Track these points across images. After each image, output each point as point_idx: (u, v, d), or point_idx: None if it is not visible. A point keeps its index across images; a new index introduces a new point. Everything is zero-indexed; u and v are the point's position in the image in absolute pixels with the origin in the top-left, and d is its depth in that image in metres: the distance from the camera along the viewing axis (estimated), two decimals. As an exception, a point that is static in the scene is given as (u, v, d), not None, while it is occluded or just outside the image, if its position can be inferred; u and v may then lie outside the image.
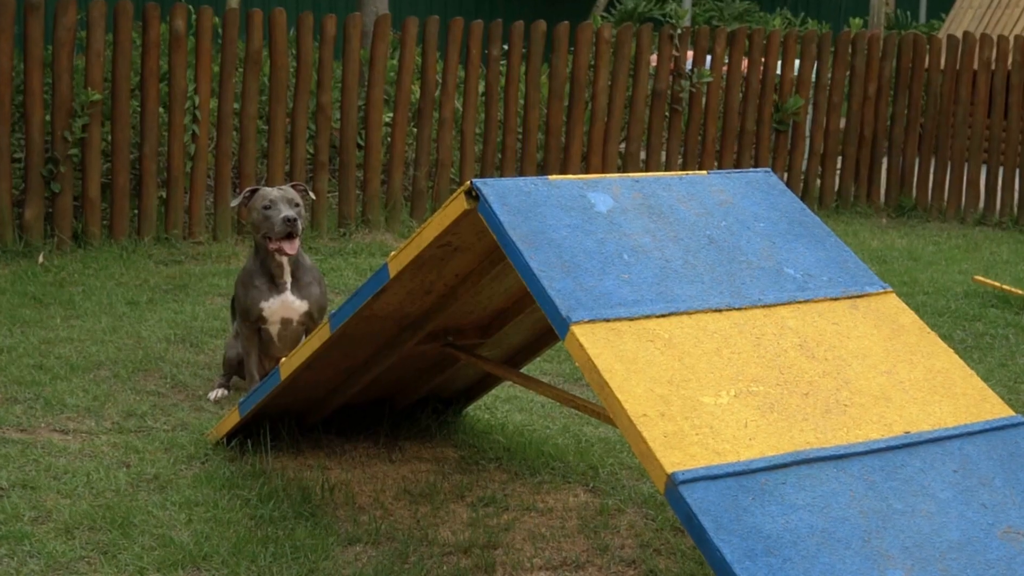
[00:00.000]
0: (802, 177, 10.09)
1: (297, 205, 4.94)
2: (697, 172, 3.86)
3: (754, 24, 17.33)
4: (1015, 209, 10.22)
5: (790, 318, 3.42)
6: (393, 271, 3.72)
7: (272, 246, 4.91)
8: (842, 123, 10.31)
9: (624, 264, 3.38)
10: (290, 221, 4.86)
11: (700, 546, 2.80)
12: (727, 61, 9.73)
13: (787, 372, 3.25)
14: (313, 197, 5.43)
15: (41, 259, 7.37)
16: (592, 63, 9.23)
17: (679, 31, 9.53)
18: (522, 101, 9.07)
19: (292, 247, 4.89)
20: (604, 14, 17.86)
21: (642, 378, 3.07)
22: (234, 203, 5.11)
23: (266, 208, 4.90)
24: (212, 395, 5.12)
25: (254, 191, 5.01)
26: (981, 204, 10.33)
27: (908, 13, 18.92)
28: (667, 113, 9.56)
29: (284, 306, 4.98)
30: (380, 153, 8.59)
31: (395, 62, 9.01)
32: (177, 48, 7.92)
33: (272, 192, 4.97)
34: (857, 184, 10.30)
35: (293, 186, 5.09)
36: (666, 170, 9.45)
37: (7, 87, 7.49)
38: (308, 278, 5.03)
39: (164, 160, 8.04)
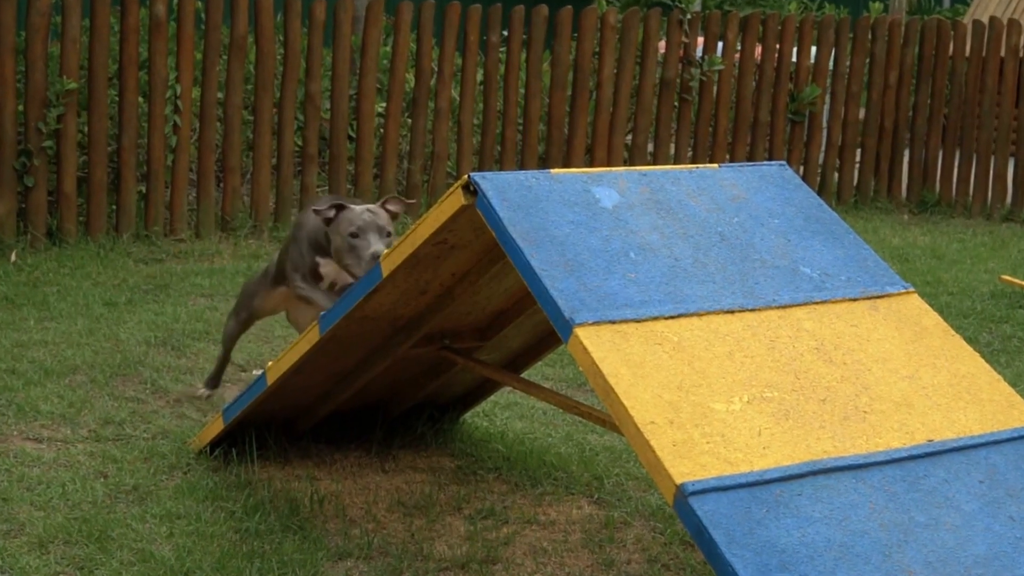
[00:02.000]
0: (819, 171, 10.10)
1: (389, 235, 4.53)
2: (708, 165, 3.86)
3: (768, 9, 17.34)
4: (1044, 204, 10.24)
5: (806, 320, 3.42)
6: (386, 270, 3.72)
7: (352, 275, 4.53)
8: (861, 113, 10.31)
9: (631, 263, 3.38)
10: (378, 258, 4.39)
11: (711, 561, 2.80)
12: (740, 48, 9.73)
13: (803, 377, 3.25)
14: (412, 202, 5.18)
15: (13, 257, 7.37)
16: (597, 50, 9.23)
17: (689, 16, 9.54)
18: (523, 90, 9.07)
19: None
20: (609, -2, 17.89)
21: (650, 383, 3.08)
22: (319, 210, 4.57)
23: (353, 236, 4.50)
24: (200, 392, 5.15)
25: (340, 208, 4.57)
26: (1008, 199, 10.33)
27: (931, -3, 18.93)
28: (676, 103, 9.56)
29: (342, 275, 4.66)
30: (372, 145, 8.60)
31: (388, 49, 9.01)
32: (157, 34, 7.91)
33: (362, 216, 4.53)
34: (877, 178, 10.30)
35: (384, 204, 4.63)
36: (675, 163, 9.45)
37: (-22, 75, 7.50)
38: None
39: (144, 153, 8.04)
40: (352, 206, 4.58)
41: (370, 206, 4.63)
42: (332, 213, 4.57)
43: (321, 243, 4.64)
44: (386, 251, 3.76)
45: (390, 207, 4.61)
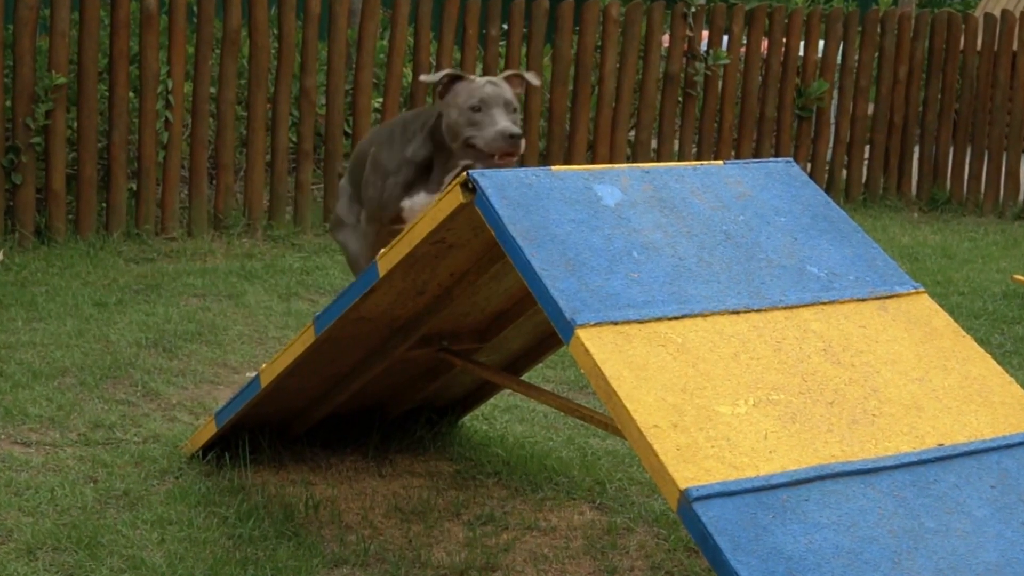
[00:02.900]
0: (827, 167, 10.10)
1: (515, 110, 4.14)
2: (713, 162, 3.86)
3: (775, 2, 17.35)
4: (1058, 202, 10.24)
5: (813, 320, 3.42)
6: (383, 270, 3.72)
7: (485, 158, 4.10)
8: (870, 109, 10.31)
9: (633, 262, 3.38)
10: (514, 138, 4.05)
11: (716, 568, 2.80)
12: (745, 42, 9.73)
13: (810, 379, 3.25)
14: (536, 83, 4.42)
15: (0, 256, 7.38)
16: (599, 44, 9.23)
17: (693, 9, 9.54)
18: (523, 85, 9.07)
19: (510, 163, 4.08)
20: (612, -9, 17.87)
21: (653, 386, 3.08)
22: (429, 79, 4.19)
23: (475, 110, 4.12)
24: None
25: (456, 78, 4.18)
26: (1021, 196, 10.33)
27: (942, -10, 18.93)
28: (680, 98, 9.56)
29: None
30: (369, 142, 8.59)
31: (385, 43, 9.01)
32: (149, 27, 7.92)
33: (484, 88, 4.13)
34: (886, 175, 10.30)
35: (508, 78, 4.25)
36: (679, 160, 9.46)
37: (-36, 70, 7.50)
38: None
39: (134, 149, 8.04)
40: (471, 76, 4.21)
41: (492, 78, 4.25)
42: (447, 81, 4.17)
43: (410, 176, 4.26)
44: (384, 249, 3.75)
45: (514, 84, 4.26)
